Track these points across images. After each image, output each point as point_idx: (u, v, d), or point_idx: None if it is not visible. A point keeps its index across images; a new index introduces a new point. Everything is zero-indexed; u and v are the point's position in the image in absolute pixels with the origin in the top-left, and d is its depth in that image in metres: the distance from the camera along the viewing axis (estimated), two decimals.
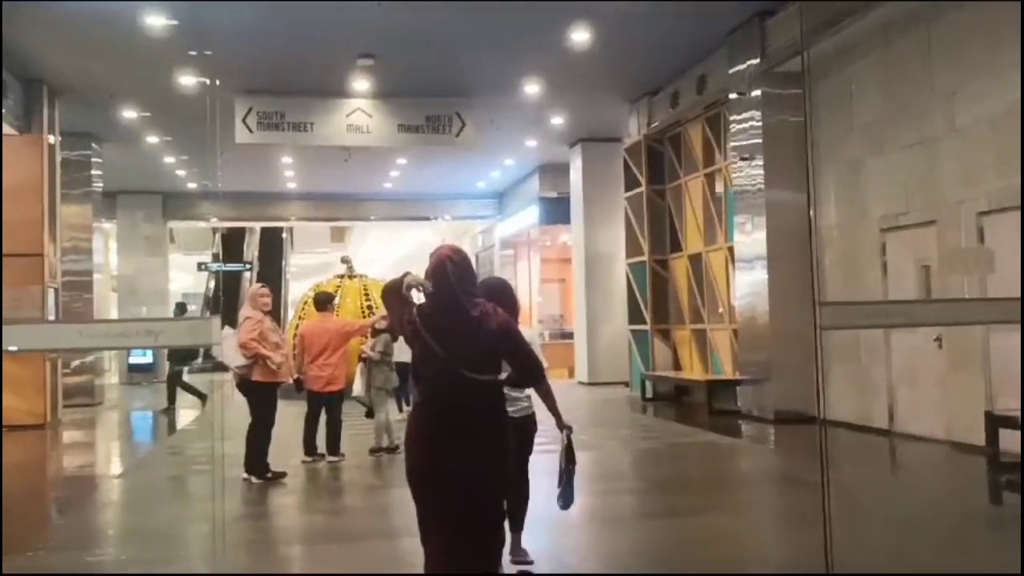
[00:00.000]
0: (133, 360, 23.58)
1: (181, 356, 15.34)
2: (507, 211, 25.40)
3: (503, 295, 4.79)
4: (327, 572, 5.49)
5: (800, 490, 7.58)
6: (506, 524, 4.49)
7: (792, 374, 11.54)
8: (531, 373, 3.90)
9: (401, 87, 14.51)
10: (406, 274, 3.77)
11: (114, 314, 24.51)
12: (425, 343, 3.60)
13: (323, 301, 9.62)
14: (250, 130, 14.51)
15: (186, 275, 34.85)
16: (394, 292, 3.75)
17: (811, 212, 5.42)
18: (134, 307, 24.08)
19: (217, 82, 13.46)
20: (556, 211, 21.12)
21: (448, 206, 26.68)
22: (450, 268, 3.64)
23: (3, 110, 12.89)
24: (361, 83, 14.17)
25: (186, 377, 15.72)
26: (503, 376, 3.76)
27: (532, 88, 14.64)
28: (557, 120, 17.03)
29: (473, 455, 3.56)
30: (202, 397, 15.03)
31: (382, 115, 14.83)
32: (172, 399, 15.21)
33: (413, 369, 3.80)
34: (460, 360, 3.55)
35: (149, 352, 23.61)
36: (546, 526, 6.39)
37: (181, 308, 17.70)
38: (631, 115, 16.05)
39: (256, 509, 7.45)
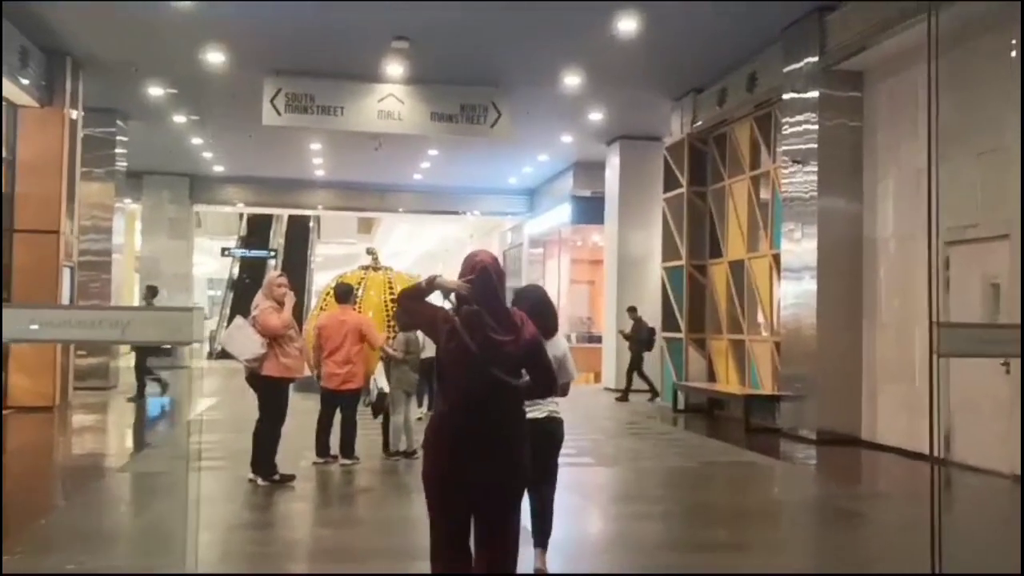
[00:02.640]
0: None
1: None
2: (538, 208, 24.78)
3: (545, 305, 5.05)
4: None
5: (854, 525, 6.90)
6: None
7: (838, 392, 10.89)
8: (547, 387, 3.91)
9: (436, 73, 13.92)
10: (435, 277, 3.73)
11: (135, 296, 24.21)
12: (460, 343, 3.56)
13: (343, 293, 9.02)
14: (278, 112, 13.97)
15: (211, 259, 34.59)
16: (416, 296, 3.74)
17: (931, 217, 4.73)
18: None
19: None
20: (589, 210, 20.52)
21: (478, 201, 26.12)
22: (494, 275, 3.69)
23: (25, 81, 12.45)
24: (394, 67, 13.59)
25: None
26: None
27: (572, 80, 14.00)
28: (595, 115, 16.38)
29: (492, 465, 3.56)
30: (139, 392, 14.47)
31: (415, 102, 14.25)
32: (161, 385, 14.80)
33: (439, 370, 3.74)
34: (494, 363, 3.55)
35: None
36: (565, 553, 5.79)
37: (152, 292, 15.75)
38: (674, 112, 15.36)
39: (259, 516, 6.88)
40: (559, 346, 5.13)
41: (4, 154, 12.78)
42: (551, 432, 5.14)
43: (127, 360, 22.71)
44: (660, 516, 7.09)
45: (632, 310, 16.67)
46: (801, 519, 7.31)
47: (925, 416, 9.66)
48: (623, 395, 16.03)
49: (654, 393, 15.91)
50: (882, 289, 10.71)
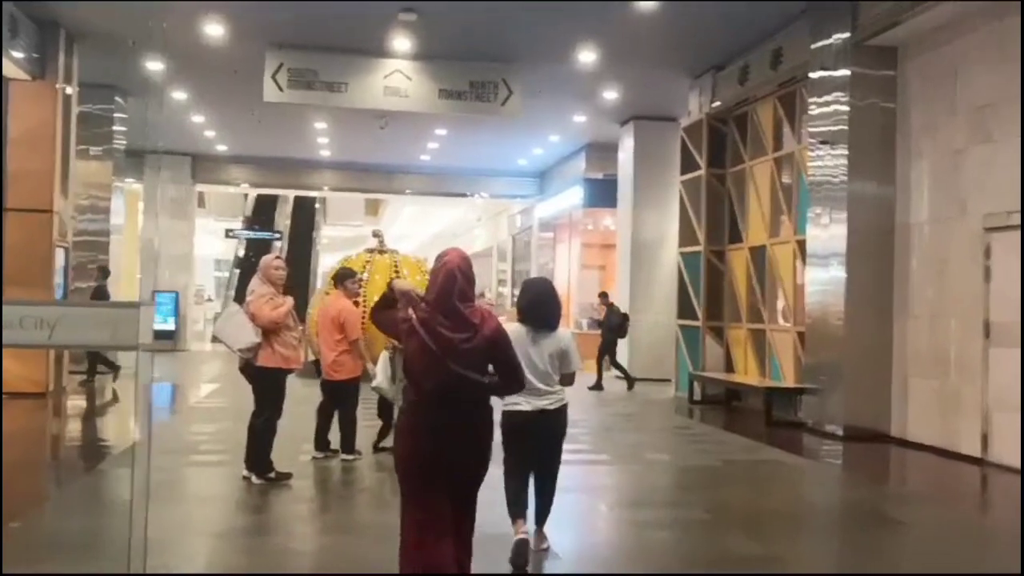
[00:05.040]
0: (153, 325, 22.65)
1: None
2: (548, 191, 24.20)
3: (547, 297, 5.33)
4: None
5: (899, 534, 6.36)
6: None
7: (866, 386, 10.35)
8: (513, 382, 4.02)
9: (445, 48, 13.34)
10: (391, 280, 4.07)
11: (135, 277, 23.72)
12: (421, 341, 3.74)
13: (339, 277, 8.50)
14: (280, 88, 13.41)
15: (217, 240, 34.08)
16: (385, 307, 3.98)
17: None
18: (157, 270, 23.24)
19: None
20: (601, 193, 19.98)
21: (486, 183, 25.57)
22: (459, 279, 3.82)
23: (15, 53, 11.90)
24: (402, 42, 13.01)
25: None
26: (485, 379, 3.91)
27: (586, 57, 13.41)
28: (610, 94, 15.78)
29: (462, 451, 3.80)
30: (113, 368, 14.16)
31: (423, 78, 13.67)
32: (93, 370, 14.32)
33: (406, 365, 3.91)
34: (455, 359, 3.71)
35: (170, 316, 22.79)
36: (575, 566, 5.31)
37: (103, 273, 14.75)
38: (692, 91, 14.74)
39: (252, 519, 6.35)
40: (563, 339, 5.27)
41: None
42: (558, 423, 5.26)
43: None
44: (682, 524, 6.46)
45: (603, 296, 16.49)
46: (839, 528, 6.74)
47: (961, 413, 9.21)
48: (629, 384, 15.59)
49: (598, 385, 15.41)
50: (915, 278, 10.12)
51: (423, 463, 3.76)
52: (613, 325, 15.79)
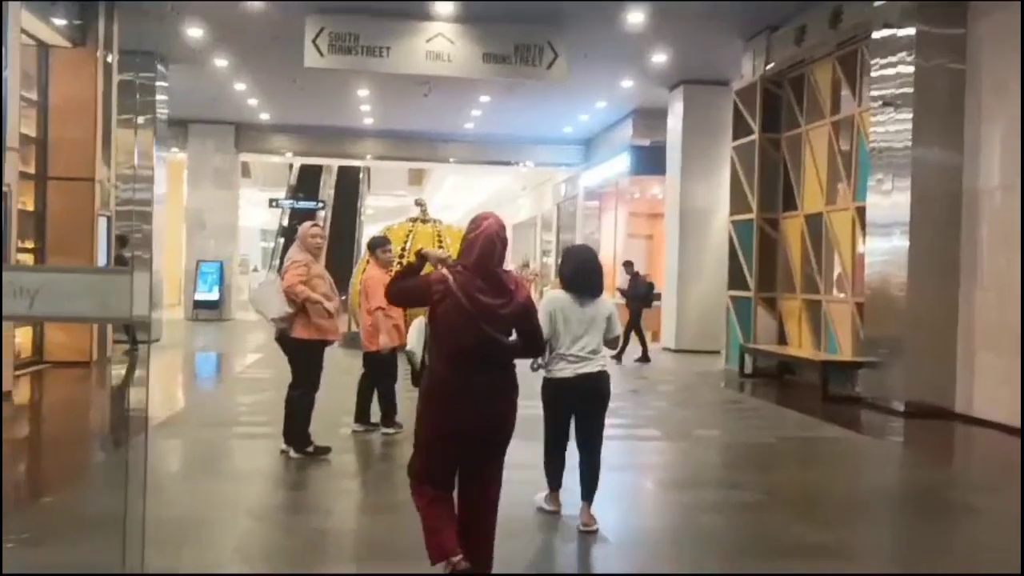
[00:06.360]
0: (198, 295, 22.80)
1: None
2: (594, 159, 23.71)
3: (589, 265, 5.29)
4: None
5: (970, 521, 5.96)
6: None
7: (929, 359, 9.90)
8: (535, 349, 4.17)
9: (489, 10, 12.93)
10: (421, 248, 4.07)
11: (182, 247, 23.80)
12: (457, 303, 3.73)
13: (371, 246, 8.17)
14: (321, 53, 13.16)
15: (263, 211, 34.14)
16: (411, 274, 3.96)
17: None
18: (202, 240, 23.30)
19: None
20: (648, 161, 19.46)
21: (531, 151, 25.17)
22: (498, 245, 3.85)
23: (56, 21, 11.78)
24: (444, 5, 12.66)
25: None
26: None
27: (635, 18, 12.93)
28: (659, 58, 15.26)
29: (495, 413, 3.82)
30: (135, 342, 13.84)
31: (466, 42, 13.30)
32: (135, 339, 13.97)
33: (434, 330, 3.87)
34: (489, 323, 3.74)
35: (215, 286, 22.85)
36: (620, 551, 5.04)
37: (121, 242, 14.16)
38: (746, 53, 14.16)
39: (289, 497, 6.15)
40: (605, 306, 5.25)
41: (35, 97, 12.16)
42: (601, 388, 5.18)
43: (174, 312, 22.43)
44: (733, 506, 6.06)
45: (628, 265, 16.02)
46: (905, 514, 6.31)
47: None
48: (617, 359, 15.02)
49: (644, 357, 14.98)
50: (984, 246, 9.59)
51: (453, 428, 3.78)
52: (639, 294, 15.37)
